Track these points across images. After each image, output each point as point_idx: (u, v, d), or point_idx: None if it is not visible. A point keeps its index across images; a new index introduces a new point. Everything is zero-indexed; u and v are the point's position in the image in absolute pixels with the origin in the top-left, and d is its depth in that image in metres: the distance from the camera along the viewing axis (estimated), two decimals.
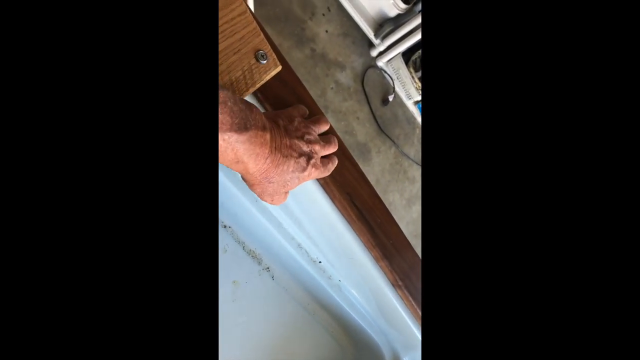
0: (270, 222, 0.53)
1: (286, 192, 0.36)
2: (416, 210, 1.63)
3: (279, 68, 0.38)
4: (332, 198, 0.43)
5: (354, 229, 0.45)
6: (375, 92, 1.58)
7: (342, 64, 1.50)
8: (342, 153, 0.46)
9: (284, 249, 0.56)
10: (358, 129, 1.51)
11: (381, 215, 0.47)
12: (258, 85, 0.36)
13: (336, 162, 0.40)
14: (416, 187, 1.65)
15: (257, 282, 0.60)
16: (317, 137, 0.37)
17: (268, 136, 0.30)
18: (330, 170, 0.39)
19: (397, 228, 0.49)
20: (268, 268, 0.62)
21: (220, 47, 0.34)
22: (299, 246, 0.55)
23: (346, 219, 0.45)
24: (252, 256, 0.61)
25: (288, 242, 0.54)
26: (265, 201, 0.36)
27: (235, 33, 0.35)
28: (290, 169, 0.33)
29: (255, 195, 0.36)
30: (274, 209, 0.52)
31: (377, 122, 1.56)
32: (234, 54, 0.35)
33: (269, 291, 0.61)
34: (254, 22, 0.37)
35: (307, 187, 0.43)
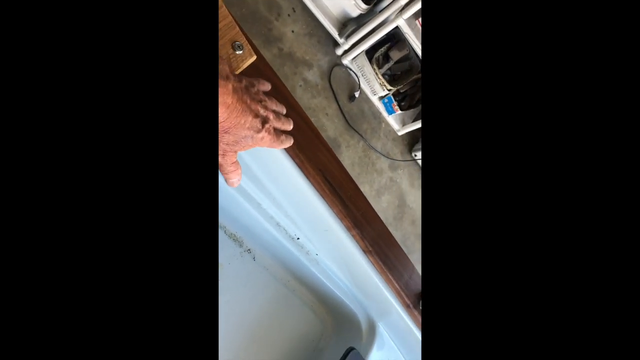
0: (250, 202, 0.57)
1: (235, 152, 0.37)
2: (385, 200, 1.71)
3: (254, 57, 0.42)
4: (307, 175, 0.48)
5: (327, 202, 0.50)
6: (342, 88, 1.64)
7: (309, 62, 1.55)
8: (316, 136, 0.51)
9: (264, 229, 0.60)
10: (328, 125, 1.57)
11: (350, 190, 0.52)
12: (237, 72, 0.41)
13: (291, 140, 0.42)
14: (384, 179, 1.73)
15: (240, 264, 0.64)
16: (273, 109, 0.40)
17: (230, 86, 0.31)
18: (284, 144, 0.41)
19: (365, 201, 0.55)
20: (249, 250, 0.66)
21: None
22: (278, 225, 0.59)
23: (320, 193, 0.50)
24: (233, 239, 0.65)
25: (267, 221, 0.59)
26: None
27: None
28: (247, 126, 0.35)
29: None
30: (252, 190, 0.56)
31: (345, 117, 1.62)
32: None
33: (250, 271, 0.65)
34: (230, 16, 0.41)
35: (283, 166, 0.48)
